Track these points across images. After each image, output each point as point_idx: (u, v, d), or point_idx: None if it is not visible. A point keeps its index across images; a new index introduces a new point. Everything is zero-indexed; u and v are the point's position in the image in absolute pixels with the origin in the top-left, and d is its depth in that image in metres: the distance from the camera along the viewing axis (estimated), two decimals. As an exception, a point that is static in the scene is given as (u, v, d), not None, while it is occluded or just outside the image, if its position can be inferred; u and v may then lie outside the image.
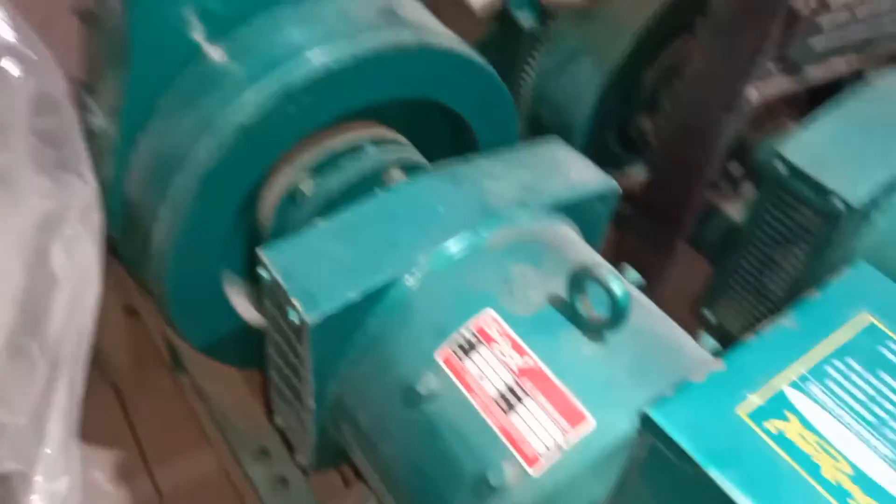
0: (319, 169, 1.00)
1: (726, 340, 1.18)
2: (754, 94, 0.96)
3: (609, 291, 0.68)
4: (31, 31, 0.92)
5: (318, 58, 0.88)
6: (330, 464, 0.95)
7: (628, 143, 1.42)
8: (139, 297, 1.33)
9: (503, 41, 1.40)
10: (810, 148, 0.99)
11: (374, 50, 0.90)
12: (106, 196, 0.96)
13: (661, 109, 1.29)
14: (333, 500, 1.01)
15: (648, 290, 1.21)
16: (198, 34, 0.92)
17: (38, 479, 0.57)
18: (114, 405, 1.46)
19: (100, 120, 0.96)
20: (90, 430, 1.38)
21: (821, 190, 0.95)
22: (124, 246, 1.03)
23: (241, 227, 1.06)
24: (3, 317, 0.58)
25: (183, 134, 0.89)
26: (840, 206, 0.93)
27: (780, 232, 1.02)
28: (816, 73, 1.02)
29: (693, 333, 1.33)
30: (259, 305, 1.08)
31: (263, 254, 0.79)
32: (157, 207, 0.90)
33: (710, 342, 0.77)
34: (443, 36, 0.99)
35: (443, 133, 1.15)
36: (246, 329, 1.06)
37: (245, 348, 1.06)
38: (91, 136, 0.96)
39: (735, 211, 1.33)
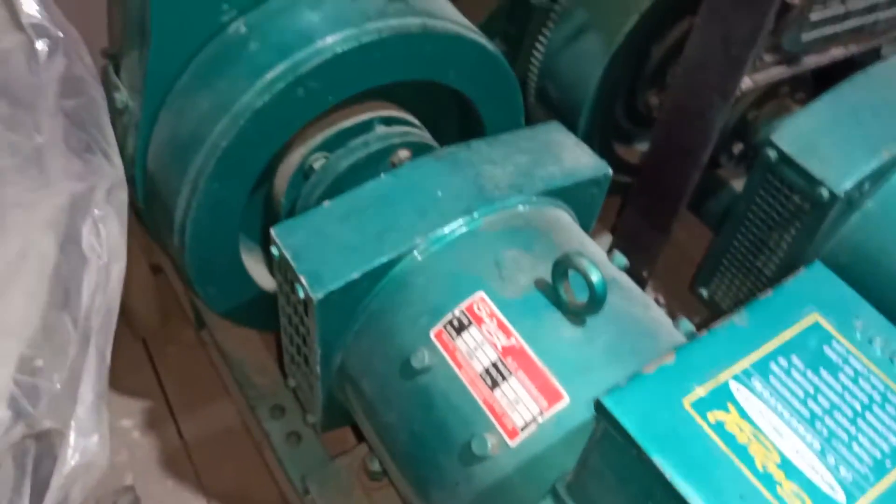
0: (331, 146, 1.05)
1: (720, 316, 1.24)
2: (747, 81, 0.99)
3: (587, 280, 0.73)
4: (58, 9, 0.97)
5: (327, 45, 0.92)
6: (337, 424, 1.03)
7: (637, 117, 1.45)
8: (164, 256, 1.40)
9: (514, 12, 1.43)
10: (801, 135, 1.02)
11: (380, 36, 0.94)
12: (130, 168, 1.03)
13: (667, 85, 1.32)
14: (345, 455, 1.10)
15: (645, 263, 1.26)
16: (219, 12, 0.96)
17: (72, 435, 0.65)
18: (142, 358, 1.56)
19: (124, 97, 1.02)
20: (121, 381, 1.50)
21: (809, 178, 0.99)
22: (148, 214, 1.11)
23: (257, 198, 1.12)
24: (40, 295, 0.65)
25: (201, 114, 0.95)
26: (826, 194, 0.97)
27: (771, 216, 1.07)
28: (811, 60, 1.04)
29: (690, 307, 1.39)
30: (273, 272, 1.15)
31: (275, 233, 0.86)
32: (177, 183, 0.97)
33: (687, 326, 0.83)
34: (449, 20, 1.03)
35: (452, 111, 1.19)
36: (262, 294, 1.13)
37: (261, 313, 1.14)
38: (116, 112, 1.03)
39: (740, 185, 1.37)
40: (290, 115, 0.95)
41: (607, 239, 1.36)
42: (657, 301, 1.45)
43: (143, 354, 1.58)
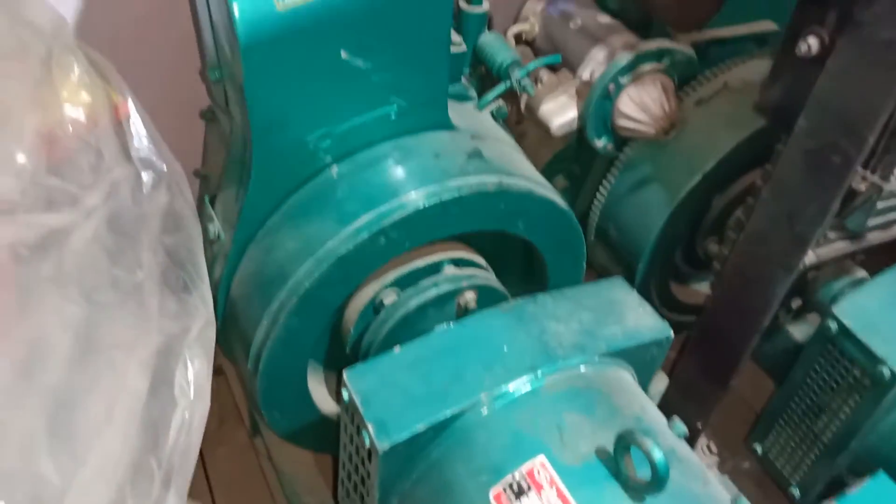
0: (402, 283, 1.10)
1: (773, 474, 1.23)
2: (811, 256, 1.02)
3: (650, 459, 0.75)
4: (164, 142, 1.06)
5: (410, 200, 0.99)
6: (386, 560, 1.04)
7: (695, 260, 1.48)
8: (225, 359, 1.45)
9: (580, 154, 1.50)
10: (863, 310, 1.04)
11: (459, 194, 1.01)
12: (213, 291, 1.10)
13: (727, 234, 1.35)
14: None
15: (700, 415, 1.27)
16: (315, 160, 1.04)
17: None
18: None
19: (217, 228, 1.10)
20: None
21: (870, 355, 1.00)
22: (223, 333, 1.16)
23: (328, 327, 1.17)
24: (131, 438, 0.70)
25: (288, 253, 1.02)
26: (888, 374, 0.98)
27: (830, 384, 1.07)
28: (875, 237, 1.07)
29: (740, 452, 1.37)
30: (336, 396, 1.19)
31: (347, 377, 0.90)
32: (258, 314, 1.03)
33: (745, 504, 0.83)
34: (522, 176, 1.09)
35: (518, 251, 1.24)
36: (321, 418, 1.17)
37: (319, 436, 1.17)
38: (208, 241, 1.10)
39: (797, 331, 1.37)
40: (370, 260, 1.01)
41: (663, 381, 1.37)
42: (708, 449, 1.44)
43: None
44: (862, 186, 0.93)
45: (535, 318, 0.97)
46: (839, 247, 1.04)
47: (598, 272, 1.55)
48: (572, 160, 1.53)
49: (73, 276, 0.81)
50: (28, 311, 0.72)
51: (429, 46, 1.01)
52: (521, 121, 1.51)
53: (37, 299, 0.74)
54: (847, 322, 1.02)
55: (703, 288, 1.56)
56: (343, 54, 0.94)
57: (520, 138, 1.57)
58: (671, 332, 1.01)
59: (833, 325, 1.04)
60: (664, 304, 1.50)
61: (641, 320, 1.01)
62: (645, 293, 1.45)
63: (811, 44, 0.91)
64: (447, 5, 0.99)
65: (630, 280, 1.42)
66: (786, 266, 1.01)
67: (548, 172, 1.56)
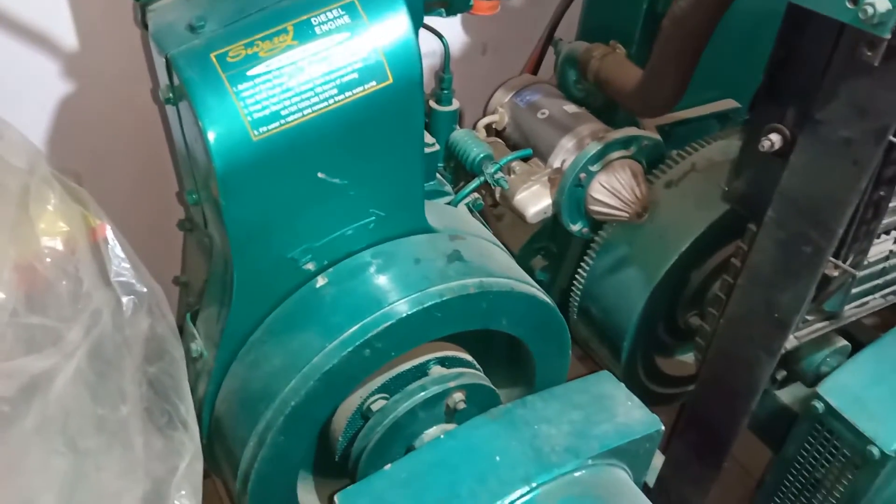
0: (389, 388, 1.10)
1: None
2: (792, 339, 1.03)
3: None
4: (143, 265, 1.06)
5: (394, 310, 0.99)
6: None
7: (677, 332, 1.49)
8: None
9: (556, 233, 1.52)
10: (848, 389, 1.05)
11: (441, 299, 1.01)
12: (198, 409, 1.08)
13: (707, 310, 1.37)
14: None
15: (696, 495, 1.26)
16: (298, 274, 1.04)
17: None
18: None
19: (200, 347, 1.09)
20: None
21: (858, 435, 1.01)
22: (209, 451, 1.14)
23: (316, 437, 1.16)
24: None
25: (273, 370, 1.01)
26: (877, 453, 0.98)
27: (822, 462, 1.08)
28: (853, 313, 1.09)
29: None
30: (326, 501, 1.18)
31: (339, 501, 0.89)
32: (244, 434, 1.01)
33: None
34: (502, 274, 1.10)
35: (503, 342, 1.25)
36: (314, 528, 1.15)
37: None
38: (191, 360, 1.09)
39: (784, 395, 1.38)
40: (356, 372, 1.01)
41: (658, 458, 1.36)
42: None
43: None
44: (835, 273, 0.96)
45: (526, 423, 0.97)
46: (818, 327, 1.06)
47: (581, 348, 1.56)
48: (549, 239, 1.55)
49: (57, 423, 0.80)
50: (14, 472, 0.71)
51: (404, 157, 1.03)
52: (496, 203, 1.53)
53: (22, 457, 0.72)
54: (833, 402, 1.04)
55: (687, 358, 1.57)
56: (320, 174, 0.95)
57: (496, 220, 1.59)
58: (661, 426, 1.01)
59: (820, 405, 1.05)
60: (651, 378, 1.51)
61: (631, 415, 1.01)
62: (631, 370, 1.47)
63: (773, 140, 0.93)
64: (419, 117, 1.01)
65: (616, 356, 1.44)
66: (768, 350, 1.02)
67: (526, 252, 1.59)
